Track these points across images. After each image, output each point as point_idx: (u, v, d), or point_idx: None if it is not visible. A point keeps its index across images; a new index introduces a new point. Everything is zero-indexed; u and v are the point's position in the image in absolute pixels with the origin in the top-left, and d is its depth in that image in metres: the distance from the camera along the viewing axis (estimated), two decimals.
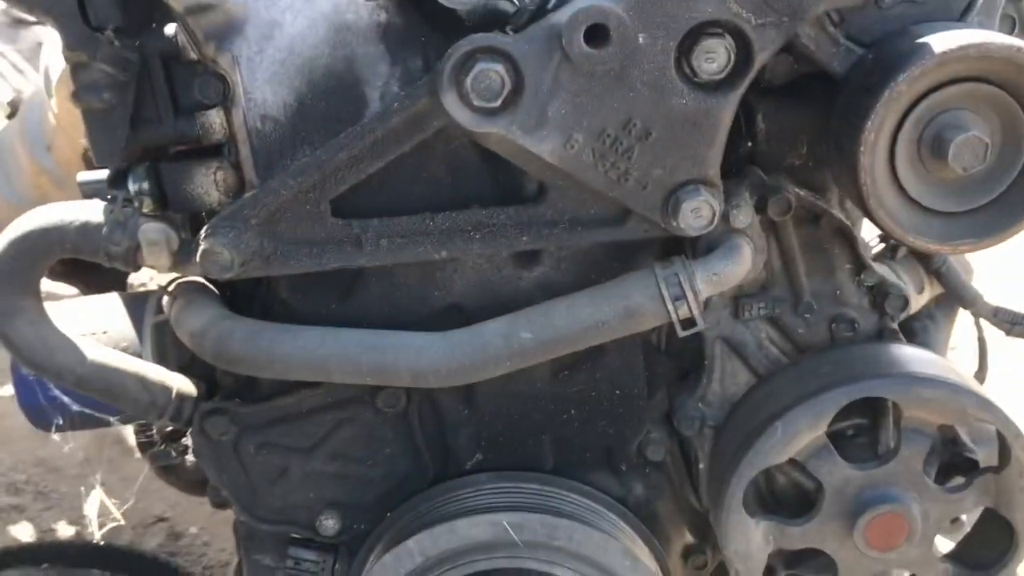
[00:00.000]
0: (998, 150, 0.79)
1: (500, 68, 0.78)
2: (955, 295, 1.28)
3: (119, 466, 1.85)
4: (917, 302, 1.29)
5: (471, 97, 0.78)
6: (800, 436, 0.87)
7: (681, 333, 0.86)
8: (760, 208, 0.90)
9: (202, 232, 0.86)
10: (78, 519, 1.83)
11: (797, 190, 0.91)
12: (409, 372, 0.88)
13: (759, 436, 0.88)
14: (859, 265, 0.94)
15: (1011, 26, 0.94)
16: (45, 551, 1.71)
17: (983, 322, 1.35)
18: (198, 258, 0.85)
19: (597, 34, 0.76)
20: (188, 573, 1.65)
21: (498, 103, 0.79)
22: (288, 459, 0.99)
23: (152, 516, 1.90)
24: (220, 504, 1.06)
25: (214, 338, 0.90)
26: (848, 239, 0.93)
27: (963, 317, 1.39)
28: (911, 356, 0.91)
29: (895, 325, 0.96)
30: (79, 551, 1.73)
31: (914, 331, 1.37)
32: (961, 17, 0.84)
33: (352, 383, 0.92)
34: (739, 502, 0.90)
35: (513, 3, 0.82)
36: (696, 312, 0.85)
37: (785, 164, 0.91)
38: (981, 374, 1.36)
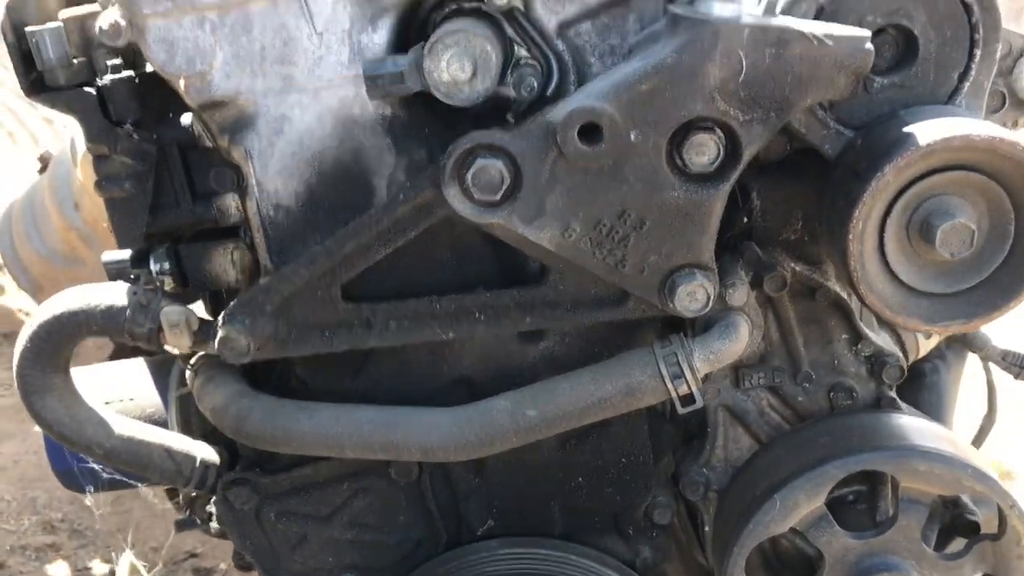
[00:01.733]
0: (985, 234, 0.81)
1: (499, 164, 0.81)
2: (964, 340, 1.29)
3: (151, 507, 1.90)
4: (926, 345, 1.30)
5: (472, 191, 0.82)
6: (799, 507, 0.90)
7: (681, 410, 0.88)
8: (756, 284, 0.93)
9: (219, 319, 0.90)
10: (111, 556, 1.89)
11: (793, 265, 0.93)
12: (419, 449, 0.91)
13: (759, 508, 0.91)
14: (856, 335, 0.96)
15: (1001, 101, 0.95)
16: None
17: (992, 365, 1.38)
18: (216, 345, 0.89)
19: (590, 132, 0.79)
20: None
21: (498, 196, 0.82)
22: (307, 526, 1.03)
23: (183, 552, 1.95)
24: (244, 567, 1.10)
25: (234, 415, 0.94)
26: (844, 311, 0.96)
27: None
28: (908, 427, 0.93)
29: (892, 393, 0.98)
30: None
31: (924, 372, 1.38)
32: (949, 100, 0.86)
33: (367, 456, 0.96)
34: (741, 571, 0.92)
35: (513, 90, 0.85)
36: (695, 389, 0.88)
37: (781, 238, 0.94)
38: (991, 417, 1.37)
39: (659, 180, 0.81)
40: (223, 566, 1.92)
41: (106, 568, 1.87)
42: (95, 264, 1.50)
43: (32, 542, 1.87)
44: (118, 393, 1.17)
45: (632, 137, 0.79)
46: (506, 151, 0.81)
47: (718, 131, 0.80)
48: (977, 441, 1.36)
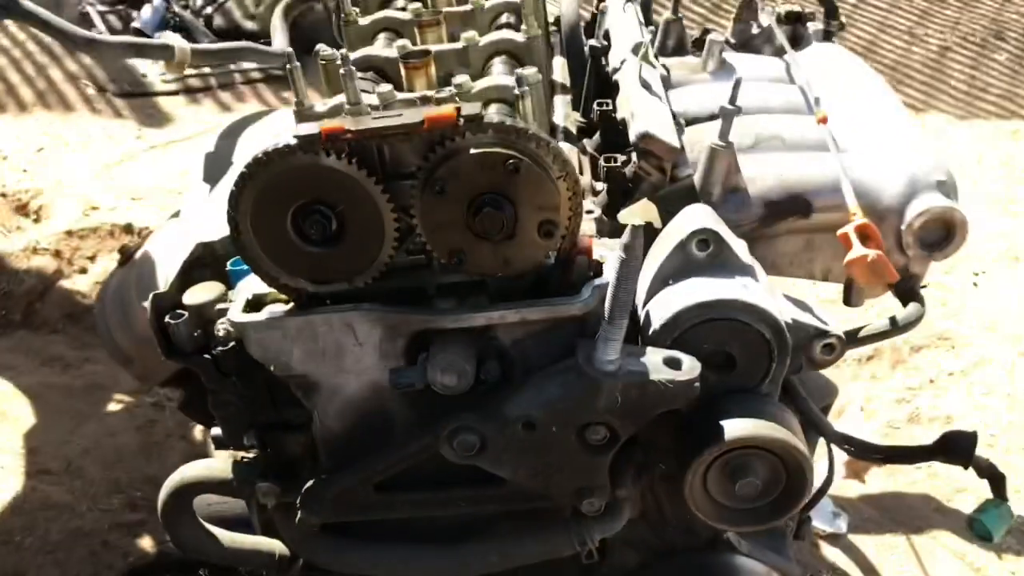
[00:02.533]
0: (768, 481, 1.34)
1: (474, 436, 1.32)
2: (810, 423, 1.82)
3: None
4: None
5: (457, 449, 1.33)
6: None
7: (585, 562, 1.44)
8: (638, 476, 1.46)
9: (298, 502, 1.43)
10: None
11: (662, 464, 1.46)
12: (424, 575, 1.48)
13: None
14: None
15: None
16: (164, 566, 2.36)
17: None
18: (298, 521, 1.43)
19: (529, 425, 1.30)
20: None
21: (473, 452, 1.33)
22: None
23: None
24: None
25: (306, 548, 1.49)
26: None
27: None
28: (733, 564, 1.49)
29: (728, 535, 1.53)
30: (189, 564, 2.38)
31: None
32: (759, 384, 1.36)
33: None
34: None
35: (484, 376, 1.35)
36: (594, 548, 1.43)
37: (658, 444, 1.46)
38: (829, 477, 1.91)
39: (571, 450, 1.33)
40: None
41: None
42: None
43: (124, 520, 2.44)
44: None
45: (554, 429, 1.30)
46: (478, 430, 1.32)
47: (606, 426, 1.31)
48: (814, 500, 1.92)
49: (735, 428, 1.30)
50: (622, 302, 1.21)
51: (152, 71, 4.37)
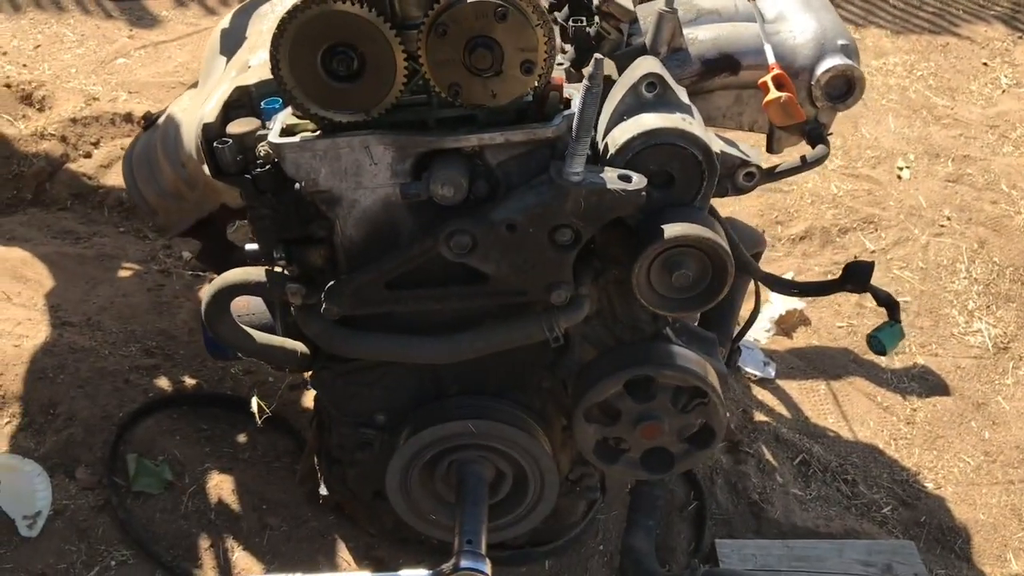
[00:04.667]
0: (698, 274, 1.70)
1: (466, 237, 1.66)
2: (739, 264, 2.18)
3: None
4: None
5: (452, 248, 1.67)
6: (608, 389, 1.83)
7: (553, 344, 1.80)
8: (596, 278, 1.81)
9: (322, 296, 1.76)
10: (197, 374, 2.80)
11: (615, 270, 1.81)
12: (421, 357, 1.83)
13: (591, 387, 1.84)
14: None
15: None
16: (181, 399, 2.70)
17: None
18: (322, 311, 1.77)
19: (511, 226, 1.64)
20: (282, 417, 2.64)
21: (466, 252, 1.68)
22: (360, 388, 1.95)
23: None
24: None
25: (327, 337, 1.83)
26: None
27: None
28: (667, 351, 1.85)
29: (666, 331, 1.89)
30: (203, 398, 2.72)
31: None
32: (691, 201, 1.71)
33: (394, 359, 1.86)
34: (580, 416, 1.87)
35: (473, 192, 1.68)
36: (560, 335, 1.78)
37: (607, 255, 1.81)
38: (755, 311, 2.29)
39: (544, 247, 1.67)
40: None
41: (193, 381, 2.78)
42: (194, 200, 2.33)
43: (142, 364, 2.75)
44: (250, 311, 2.05)
45: (531, 230, 1.65)
46: (470, 231, 1.66)
47: (572, 227, 1.65)
48: (744, 329, 2.30)
49: (673, 229, 1.66)
50: (586, 122, 1.55)
51: None
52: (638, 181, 1.63)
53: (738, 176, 1.79)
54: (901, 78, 4.47)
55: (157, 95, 3.80)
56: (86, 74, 3.93)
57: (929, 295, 3.32)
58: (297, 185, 1.69)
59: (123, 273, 3.15)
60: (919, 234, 3.52)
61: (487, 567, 1.76)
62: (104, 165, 3.48)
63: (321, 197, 1.71)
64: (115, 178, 3.46)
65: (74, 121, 3.53)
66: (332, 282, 1.77)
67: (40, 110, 3.63)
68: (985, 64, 4.64)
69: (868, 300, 3.16)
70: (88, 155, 3.50)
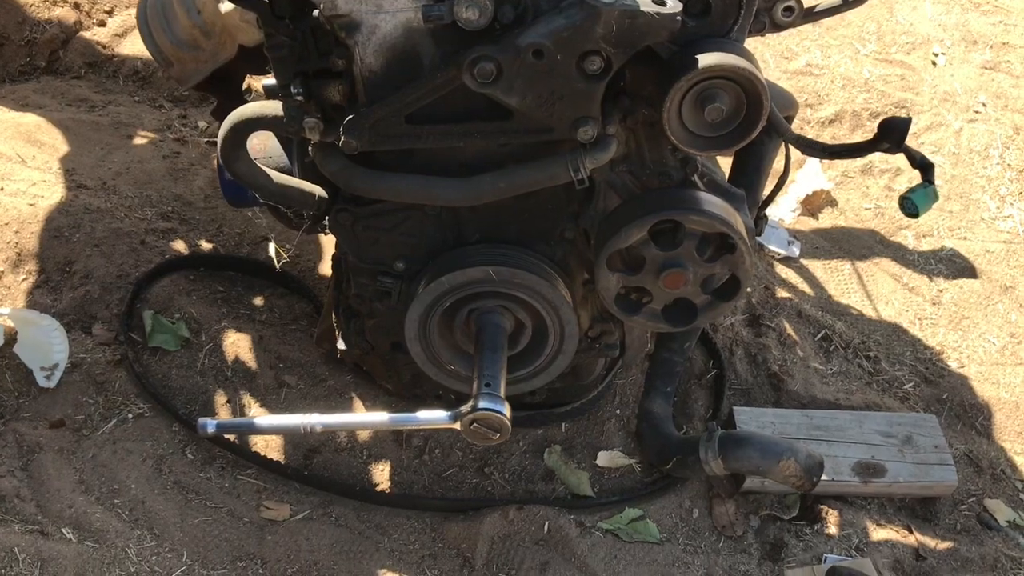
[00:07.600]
0: (732, 109, 1.63)
1: (491, 64, 1.59)
2: (771, 123, 2.10)
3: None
4: None
5: (476, 76, 1.61)
6: (634, 235, 1.78)
7: (578, 187, 1.74)
8: (624, 118, 1.75)
9: (341, 129, 1.71)
10: (213, 238, 2.77)
11: (644, 110, 1.74)
12: (445, 199, 1.77)
13: (615, 233, 1.79)
14: (675, 146, 1.80)
15: (763, 26, 1.72)
16: (198, 259, 2.67)
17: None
18: (341, 144, 1.71)
19: (538, 52, 1.57)
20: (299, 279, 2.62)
21: (490, 80, 1.61)
22: (379, 234, 1.91)
23: (259, 236, 2.83)
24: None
25: (346, 176, 1.78)
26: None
27: None
28: (695, 196, 1.80)
29: (694, 178, 1.83)
30: (220, 260, 2.69)
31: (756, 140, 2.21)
32: (727, 34, 1.63)
33: (414, 200, 1.81)
34: (603, 264, 1.82)
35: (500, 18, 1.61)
36: (585, 176, 1.73)
37: (639, 95, 1.74)
38: (784, 176, 2.21)
39: (572, 77, 1.61)
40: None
41: (209, 245, 2.76)
42: (210, 49, 2.27)
43: (158, 227, 2.72)
44: (267, 153, 2.00)
45: (559, 57, 1.58)
46: (495, 57, 1.59)
47: (602, 55, 1.58)
48: (772, 194, 2.23)
49: (708, 59, 1.59)
50: None
51: None
52: (673, 5, 1.55)
53: (777, 10, 1.71)
54: None
55: None
56: None
57: (960, 180, 3.24)
58: (316, 11, 1.62)
59: (138, 141, 3.10)
60: (952, 119, 3.42)
61: (506, 408, 1.74)
62: (119, 34, 3.40)
63: (340, 22, 1.64)
64: (130, 47, 3.38)
65: None
66: (351, 116, 1.71)
67: None
68: None
69: (898, 181, 3.09)
70: (102, 23, 3.42)
